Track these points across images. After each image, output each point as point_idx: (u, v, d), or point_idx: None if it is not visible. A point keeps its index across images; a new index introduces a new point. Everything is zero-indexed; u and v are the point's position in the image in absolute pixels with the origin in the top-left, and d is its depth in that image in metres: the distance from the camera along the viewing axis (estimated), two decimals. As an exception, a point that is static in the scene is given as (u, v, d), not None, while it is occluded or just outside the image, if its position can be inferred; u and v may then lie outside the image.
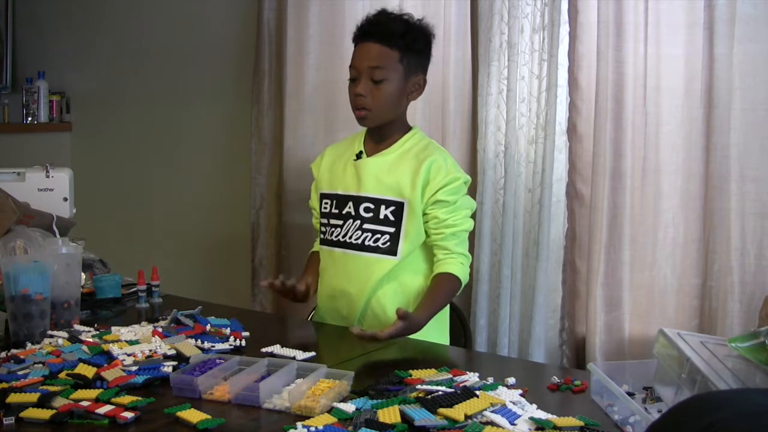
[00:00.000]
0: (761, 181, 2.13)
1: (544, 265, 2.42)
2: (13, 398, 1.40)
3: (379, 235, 1.99)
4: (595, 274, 2.30)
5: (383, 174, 2.01)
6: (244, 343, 1.80)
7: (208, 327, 1.87)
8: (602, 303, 2.30)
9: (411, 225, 1.98)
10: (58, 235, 2.28)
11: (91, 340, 1.77)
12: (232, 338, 1.80)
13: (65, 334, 1.80)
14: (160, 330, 1.83)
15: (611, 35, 2.25)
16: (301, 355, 1.72)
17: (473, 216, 2.07)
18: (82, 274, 2.14)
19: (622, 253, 2.28)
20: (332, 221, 2.06)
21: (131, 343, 1.74)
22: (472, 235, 2.60)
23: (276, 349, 1.76)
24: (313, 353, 1.74)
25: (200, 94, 3.42)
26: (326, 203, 2.08)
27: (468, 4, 2.61)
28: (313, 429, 1.29)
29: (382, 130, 2.05)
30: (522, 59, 2.48)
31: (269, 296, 3.03)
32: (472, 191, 2.62)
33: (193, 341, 1.76)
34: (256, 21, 3.01)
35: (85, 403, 1.40)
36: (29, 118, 3.82)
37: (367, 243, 2.00)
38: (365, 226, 2.00)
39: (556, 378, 1.56)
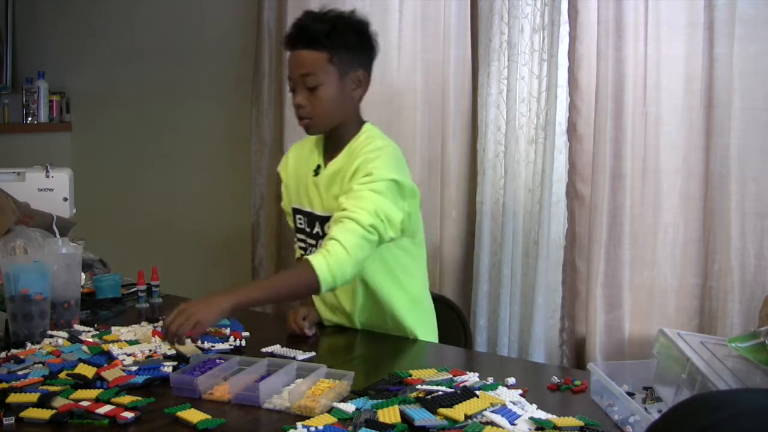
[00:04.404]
0: (761, 181, 2.13)
1: (544, 265, 2.42)
2: (13, 398, 1.40)
3: None
4: (595, 274, 2.30)
5: (336, 187, 1.91)
6: (244, 343, 1.80)
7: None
8: (602, 303, 2.30)
9: None
10: (58, 235, 2.28)
11: (91, 340, 1.77)
12: (232, 338, 1.80)
13: (65, 334, 1.80)
14: (160, 330, 1.83)
15: (611, 35, 2.25)
16: (301, 355, 1.72)
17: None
18: (82, 274, 2.14)
19: (622, 253, 2.29)
20: (307, 240, 2.00)
21: (131, 343, 1.74)
22: (471, 235, 2.62)
23: (276, 349, 1.76)
24: (313, 353, 1.74)
25: (200, 94, 3.42)
26: (299, 218, 2.01)
27: (468, 4, 2.61)
28: (313, 429, 1.29)
29: (334, 134, 1.95)
30: (522, 59, 2.48)
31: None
32: (472, 191, 2.62)
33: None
34: (256, 21, 3.01)
35: (85, 403, 1.40)
36: (29, 118, 3.82)
37: None
38: None
39: (556, 378, 1.56)
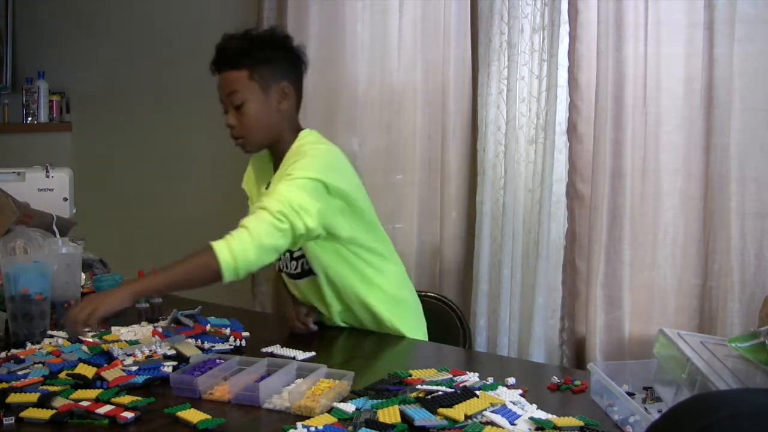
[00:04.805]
0: (761, 181, 2.13)
1: (544, 265, 2.42)
2: (13, 398, 1.40)
3: (302, 260, 1.93)
4: (595, 274, 2.30)
5: None
6: (244, 343, 1.80)
7: (208, 327, 1.87)
8: (602, 303, 2.30)
9: (309, 243, 1.88)
10: (58, 235, 2.28)
11: (91, 340, 1.77)
12: (232, 338, 1.80)
13: (65, 334, 1.80)
14: (160, 330, 1.83)
15: (611, 35, 2.25)
16: (301, 355, 1.73)
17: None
18: (82, 274, 2.14)
19: (622, 253, 2.28)
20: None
21: (131, 343, 1.74)
22: (471, 235, 2.62)
23: (276, 349, 1.76)
24: (313, 353, 1.74)
25: (200, 94, 3.40)
26: None
27: (468, 4, 2.61)
28: (313, 429, 1.29)
29: (275, 149, 1.98)
30: (522, 59, 2.48)
31: (269, 296, 3.03)
32: (472, 191, 2.62)
33: (193, 341, 1.76)
34: (256, 21, 3.01)
35: (85, 403, 1.40)
36: (29, 118, 3.82)
37: (298, 270, 1.95)
38: (295, 254, 1.95)
39: (556, 378, 1.56)
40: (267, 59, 1.92)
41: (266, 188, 2.00)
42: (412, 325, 2.03)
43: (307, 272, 1.94)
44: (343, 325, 2.00)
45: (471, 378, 1.54)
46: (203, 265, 1.71)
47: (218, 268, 1.68)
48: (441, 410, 1.33)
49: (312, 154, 1.86)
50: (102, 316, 1.65)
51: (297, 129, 1.97)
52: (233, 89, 1.91)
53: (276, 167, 1.98)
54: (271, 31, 2.00)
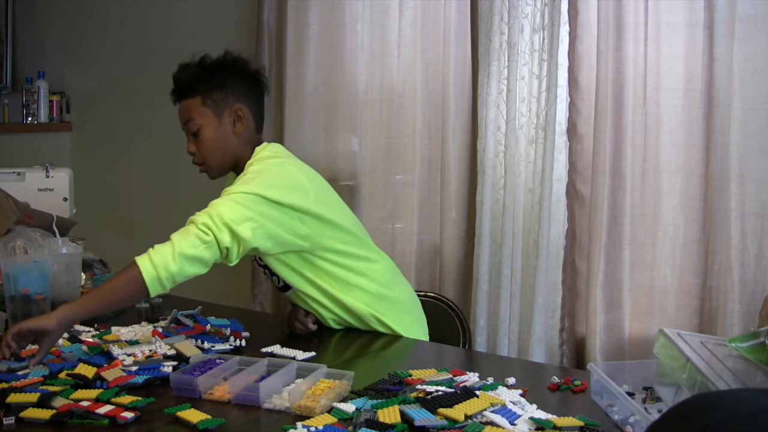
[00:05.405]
0: (761, 181, 2.13)
1: (544, 265, 2.42)
2: (13, 398, 1.40)
3: (277, 276, 1.95)
4: (595, 274, 2.30)
5: None
6: (244, 343, 1.80)
7: (208, 327, 1.87)
8: (602, 303, 2.30)
9: (270, 258, 1.90)
10: (58, 235, 2.28)
11: (91, 340, 1.77)
12: (232, 338, 1.80)
13: (65, 334, 1.80)
14: (160, 330, 1.83)
15: (611, 35, 2.25)
16: (301, 355, 1.73)
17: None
18: (82, 274, 2.14)
19: (622, 253, 2.28)
20: (262, 268, 2.01)
21: (131, 343, 1.74)
22: (471, 235, 2.62)
23: (276, 349, 1.76)
24: (313, 353, 1.74)
25: (200, 94, 3.42)
26: None
27: (468, 4, 2.61)
28: (313, 429, 1.29)
29: (236, 172, 1.97)
30: (522, 59, 2.48)
31: (269, 296, 3.03)
32: (472, 191, 2.62)
33: (193, 341, 1.76)
34: (256, 21, 3.01)
35: (85, 403, 1.40)
36: (29, 118, 3.82)
37: (281, 284, 1.96)
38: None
39: (556, 378, 1.56)
40: (219, 84, 1.94)
41: None
42: (407, 322, 2.01)
43: (289, 286, 1.95)
44: (339, 328, 2.00)
45: (471, 378, 1.54)
46: (129, 280, 1.69)
47: (143, 281, 1.67)
48: (441, 410, 1.33)
49: (256, 170, 1.86)
50: (16, 332, 1.57)
51: (256, 146, 1.97)
52: (189, 117, 1.95)
53: None
54: (223, 56, 2.01)
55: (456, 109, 2.66)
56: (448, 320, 2.27)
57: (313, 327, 1.96)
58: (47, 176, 2.54)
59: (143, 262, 1.69)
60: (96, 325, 1.91)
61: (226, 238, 1.74)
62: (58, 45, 3.92)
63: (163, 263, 1.68)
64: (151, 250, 1.71)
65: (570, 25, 2.35)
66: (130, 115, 3.69)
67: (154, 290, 1.69)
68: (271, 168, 1.88)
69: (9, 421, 1.35)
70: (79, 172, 2.72)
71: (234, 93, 1.95)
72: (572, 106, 2.35)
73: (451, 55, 2.65)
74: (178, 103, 1.99)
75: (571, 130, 2.37)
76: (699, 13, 2.17)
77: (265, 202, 1.79)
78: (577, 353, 2.41)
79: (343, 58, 2.84)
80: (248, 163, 1.92)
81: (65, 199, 2.55)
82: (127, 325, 1.92)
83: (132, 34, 3.66)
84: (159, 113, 3.58)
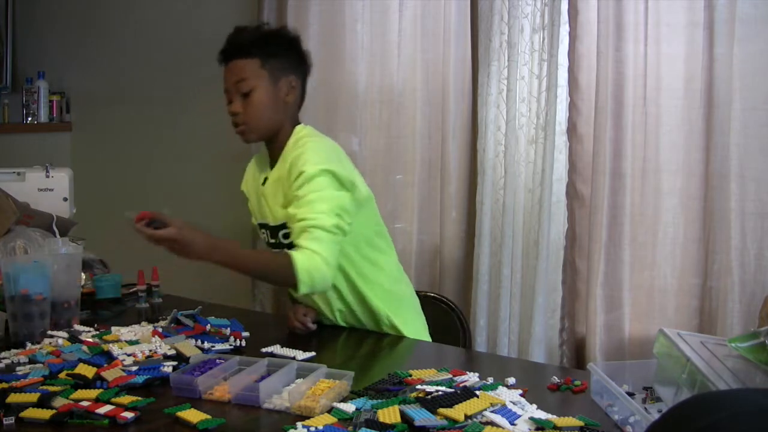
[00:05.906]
0: (761, 181, 2.13)
1: (544, 265, 2.42)
2: (13, 398, 1.40)
3: None
4: (595, 274, 2.30)
5: (279, 195, 1.95)
6: (244, 343, 1.80)
7: (208, 327, 1.87)
8: (602, 303, 2.30)
9: None
10: (58, 235, 2.28)
11: (91, 340, 1.77)
12: (232, 338, 1.80)
13: (65, 334, 1.80)
14: (160, 330, 1.83)
15: (611, 35, 2.25)
16: (301, 355, 1.73)
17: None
18: (82, 274, 2.14)
19: (622, 253, 2.29)
20: (275, 251, 2.01)
21: (131, 343, 1.74)
22: (471, 235, 2.62)
23: (276, 349, 1.76)
24: (313, 353, 1.74)
25: (200, 94, 3.42)
26: (263, 233, 2.04)
27: (468, 4, 2.61)
28: (313, 429, 1.29)
29: (273, 143, 2.00)
30: (522, 59, 2.48)
31: (269, 296, 3.03)
32: (472, 191, 2.62)
33: (193, 341, 1.76)
34: (257, 21, 3.00)
35: (85, 403, 1.40)
36: (29, 118, 3.82)
37: None
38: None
39: (556, 378, 1.56)
40: (279, 52, 1.96)
41: (263, 183, 2.01)
42: (410, 321, 2.03)
43: None
44: (343, 324, 2.00)
45: (471, 378, 1.54)
46: (283, 267, 1.79)
47: (292, 275, 1.77)
48: (441, 410, 1.33)
49: (313, 147, 1.91)
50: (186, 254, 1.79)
51: (296, 124, 2.01)
52: (242, 77, 1.94)
53: (273, 161, 2.00)
54: (283, 28, 2.06)
55: (456, 109, 2.66)
56: (448, 320, 2.27)
57: (312, 327, 1.96)
58: (47, 176, 2.54)
59: (300, 264, 1.78)
60: (96, 325, 1.91)
61: (349, 224, 1.86)
62: (58, 45, 3.92)
63: (322, 282, 1.81)
64: (304, 251, 1.79)
65: (570, 25, 2.35)
66: (130, 115, 3.69)
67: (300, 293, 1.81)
68: (321, 146, 1.94)
69: (9, 421, 1.35)
70: (79, 172, 2.72)
71: (290, 65, 1.99)
72: (572, 106, 2.36)
73: (451, 55, 2.65)
74: (225, 64, 1.98)
75: (571, 130, 2.37)
76: (699, 13, 2.17)
77: (339, 181, 1.87)
78: (577, 353, 2.41)
79: (343, 58, 2.84)
80: (292, 144, 1.94)
81: (65, 199, 2.55)
82: (127, 325, 1.91)
83: (132, 35, 3.66)
84: (159, 113, 3.59)
